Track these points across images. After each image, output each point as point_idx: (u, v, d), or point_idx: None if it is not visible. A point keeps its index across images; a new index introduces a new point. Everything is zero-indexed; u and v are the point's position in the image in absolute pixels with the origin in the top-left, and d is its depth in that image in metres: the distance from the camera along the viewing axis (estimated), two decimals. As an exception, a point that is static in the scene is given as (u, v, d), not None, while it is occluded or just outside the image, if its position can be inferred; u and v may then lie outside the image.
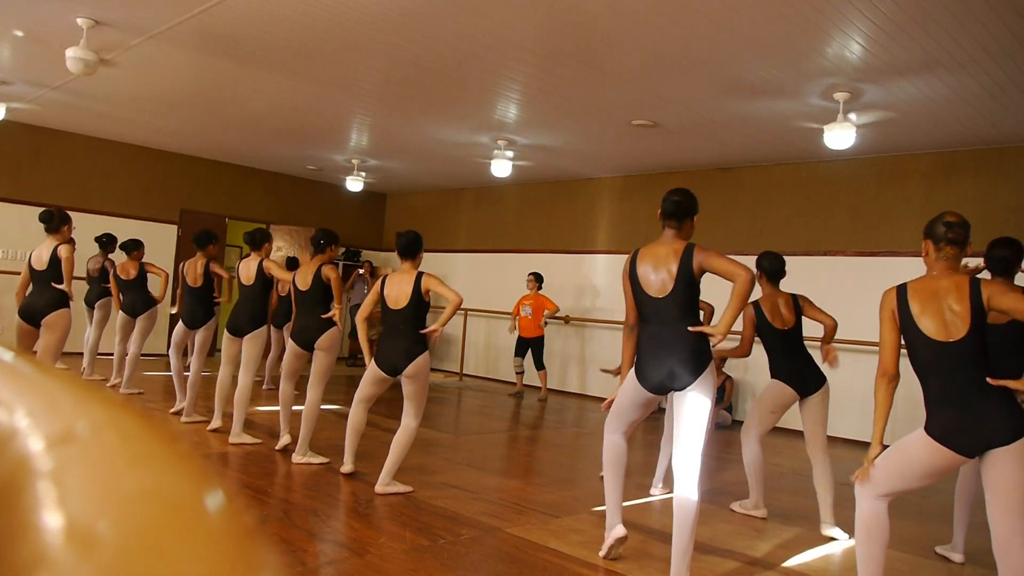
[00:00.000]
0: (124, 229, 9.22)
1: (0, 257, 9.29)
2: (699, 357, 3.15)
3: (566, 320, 9.98)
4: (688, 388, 3.14)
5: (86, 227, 9.06)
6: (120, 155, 10.26)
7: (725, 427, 8.13)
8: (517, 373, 9.55)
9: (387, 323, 4.42)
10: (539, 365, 9.29)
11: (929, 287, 2.73)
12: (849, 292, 7.09)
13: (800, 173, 8.36)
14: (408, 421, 4.38)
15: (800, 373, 4.35)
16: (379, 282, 4.51)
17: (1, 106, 8.15)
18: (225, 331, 5.62)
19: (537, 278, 9.38)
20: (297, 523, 3.71)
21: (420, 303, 4.33)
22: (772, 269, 4.47)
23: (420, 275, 4.38)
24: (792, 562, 3.68)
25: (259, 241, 5.64)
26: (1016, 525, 2.55)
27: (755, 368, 8.41)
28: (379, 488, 4.32)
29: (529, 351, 9.36)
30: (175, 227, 10.73)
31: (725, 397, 8.63)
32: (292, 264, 8.58)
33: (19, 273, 9.19)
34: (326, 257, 5.17)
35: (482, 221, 11.69)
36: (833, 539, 4.10)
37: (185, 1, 5.00)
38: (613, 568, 3.37)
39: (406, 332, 4.34)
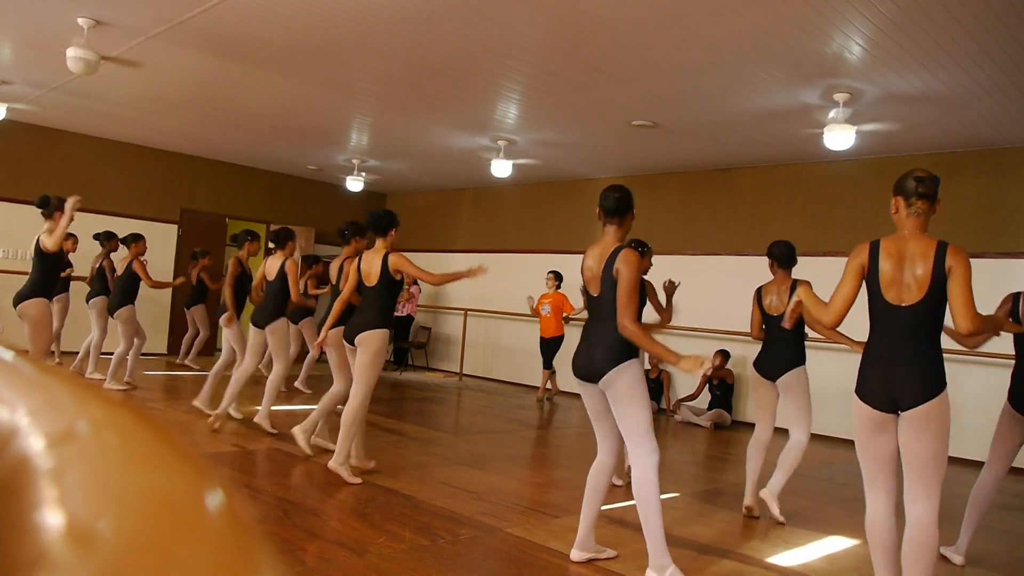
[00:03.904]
0: (124, 229, 9.21)
1: (0, 257, 9.29)
2: (618, 350, 3.23)
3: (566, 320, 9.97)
4: (607, 380, 3.23)
5: (87, 226, 9.03)
6: (121, 155, 10.26)
7: (725, 427, 8.13)
8: (551, 376, 9.29)
9: (363, 297, 4.65)
10: (547, 365, 9.18)
11: (899, 247, 2.75)
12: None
13: (800, 174, 8.36)
14: (350, 398, 4.50)
15: (769, 356, 4.45)
16: (356, 262, 4.69)
17: (2, 105, 8.15)
18: (250, 324, 5.86)
19: (557, 276, 9.15)
20: (297, 523, 3.71)
21: (390, 281, 4.51)
22: (777, 255, 4.56)
23: (387, 254, 4.54)
24: (793, 562, 3.68)
25: (283, 240, 5.83)
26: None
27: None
28: (331, 464, 4.48)
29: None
30: (175, 227, 10.73)
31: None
32: (311, 262, 8.40)
33: (19, 272, 9.24)
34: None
35: (482, 221, 11.69)
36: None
37: (185, 1, 5.01)
38: (612, 568, 3.37)
39: (369, 306, 4.54)
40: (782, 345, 4.39)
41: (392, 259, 4.50)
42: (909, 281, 2.68)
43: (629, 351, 3.25)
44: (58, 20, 5.48)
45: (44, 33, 5.83)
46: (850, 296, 2.81)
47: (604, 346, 3.26)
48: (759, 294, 4.55)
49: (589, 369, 3.30)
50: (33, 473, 0.23)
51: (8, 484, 0.23)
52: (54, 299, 8.12)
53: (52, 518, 0.22)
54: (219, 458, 4.93)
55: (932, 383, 2.65)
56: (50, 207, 5.28)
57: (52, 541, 0.21)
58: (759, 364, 4.50)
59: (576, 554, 3.43)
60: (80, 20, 5.39)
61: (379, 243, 4.62)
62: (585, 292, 3.56)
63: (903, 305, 2.69)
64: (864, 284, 2.81)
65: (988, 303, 6.27)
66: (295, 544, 3.36)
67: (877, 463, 2.79)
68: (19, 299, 5.20)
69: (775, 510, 4.32)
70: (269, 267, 5.83)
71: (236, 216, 11.47)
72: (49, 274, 5.22)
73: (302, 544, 3.40)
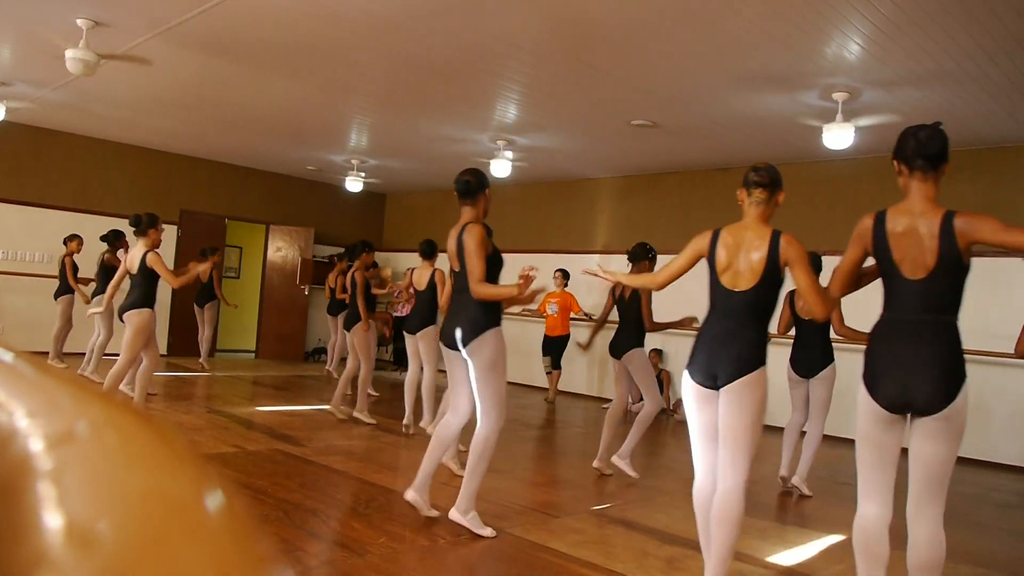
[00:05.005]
0: (124, 229, 9.24)
1: (0, 257, 9.28)
2: (480, 320, 3.57)
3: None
4: (467, 349, 3.57)
5: (87, 227, 9.04)
6: (120, 155, 10.26)
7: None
8: (547, 374, 9.27)
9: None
10: (555, 364, 9.13)
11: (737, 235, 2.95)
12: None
13: (800, 173, 8.35)
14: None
15: (799, 354, 5.08)
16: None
17: (1, 106, 8.15)
18: (405, 333, 6.28)
19: (564, 275, 9.08)
20: (297, 523, 3.71)
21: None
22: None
23: (465, 226, 3.84)
24: (792, 561, 3.68)
25: (430, 252, 6.35)
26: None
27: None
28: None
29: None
30: (175, 227, 10.72)
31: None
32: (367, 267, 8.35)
33: (19, 274, 9.25)
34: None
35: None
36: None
37: (185, 1, 5.00)
38: (613, 568, 3.37)
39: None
40: (813, 346, 5.03)
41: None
42: (743, 268, 2.87)
43: (490, 320, 3.56)
44: (57, 21, 5.47)
45: (43, 34, 5.83)
46: (678, 271, 3.06)
47: (467, 318, 3.58)
48: (791, 296, 5.07)
49: (455, 339, 3.63)
50: (33, 474, 0.23)
51: (8, 485, 0.23)
52: (59, 299, 8.24)
53: (52, 519, 0.22)
54: (219, 459, 4.93)
55: (749, 360, 2.81)
56: (142, 225, 5.58)
57: (52, 542, 0.22)
58: (794, 363, 5.10)
59: (410, 494, 3.75)
60: (79, 21, 5.39)
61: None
62: (453, 271, 3.77)
63: (736, 291, 2.86)
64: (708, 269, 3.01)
65: (986, 303, 6.27)
66: (295, 544, 3.36)
67: (699, 436, 3.05)
68: (123, 310, 5.55)
69: (804, 489, 5.01)
70: (417, 278, 6.27)
71: (236, 217, 11.47)
72: (152, 287, 5.55)
73: (302, 544, 3.40)
